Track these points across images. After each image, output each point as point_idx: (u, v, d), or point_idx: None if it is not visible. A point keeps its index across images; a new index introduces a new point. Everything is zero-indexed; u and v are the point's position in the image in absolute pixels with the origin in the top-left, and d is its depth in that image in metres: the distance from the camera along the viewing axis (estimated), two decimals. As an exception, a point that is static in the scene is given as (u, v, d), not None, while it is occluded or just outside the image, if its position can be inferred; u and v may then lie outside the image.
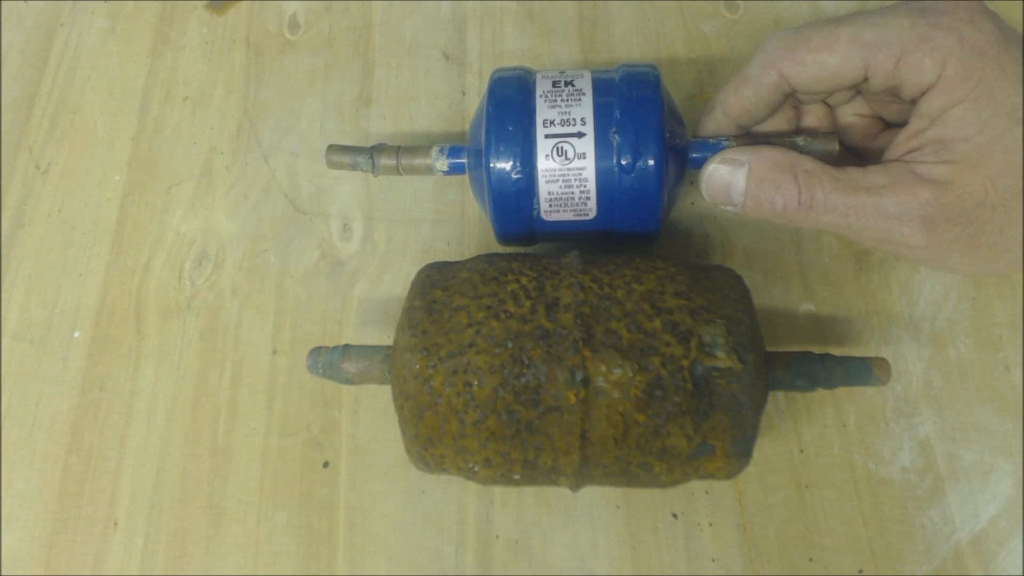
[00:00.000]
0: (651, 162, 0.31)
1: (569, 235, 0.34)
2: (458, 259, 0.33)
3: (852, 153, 0.35)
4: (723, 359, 0.27)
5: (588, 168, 0.31)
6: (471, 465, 0.28)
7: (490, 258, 0.31)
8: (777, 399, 0.34)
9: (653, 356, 0.27)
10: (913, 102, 0.29)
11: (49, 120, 0.44)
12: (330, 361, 0.31)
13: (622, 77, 0.32)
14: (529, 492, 0.34)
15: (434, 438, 0.28)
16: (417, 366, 0.28)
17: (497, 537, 0.33)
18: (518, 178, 0.31)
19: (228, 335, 0.38)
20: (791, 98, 0.32)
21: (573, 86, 0.32)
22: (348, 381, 0.31)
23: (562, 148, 0.31)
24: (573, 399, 0.26)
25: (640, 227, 0.33)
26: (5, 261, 0.40)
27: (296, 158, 0.41)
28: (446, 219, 0.39)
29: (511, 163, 0.31)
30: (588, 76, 0.32)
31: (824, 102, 0.34)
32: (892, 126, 0.34)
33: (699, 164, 0.33)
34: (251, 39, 0.45)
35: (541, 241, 0.35)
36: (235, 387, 0.36)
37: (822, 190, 0.29)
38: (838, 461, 0.33)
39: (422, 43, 0.44)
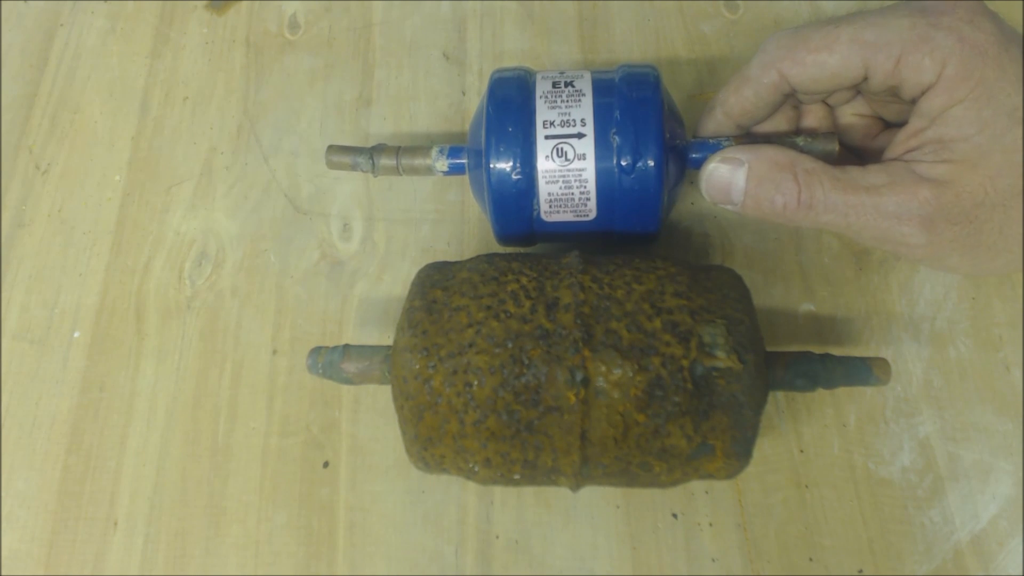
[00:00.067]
0: (651, 163, 0.31)
1: (569, 235, 0.34)
2: (458, 259, 0.33)
3: (852, 153, 0.35)
4: (723, 359, 0.27)
5: (588, 169, 0.31)
6: (471, 465, 0.28)
7: (490, 258, 0.31)
8: (777, 399, 0.34)
9: (653, 356, 0.27)
10: (913, 102, 0.29)
11: (49, 120, 0.44)
12: (330, 361, 0.31)
13: (622, 78, 0.32)
14: (529, 492, 0.34)
15: (434, 438, 0.28)
16: (417, 366, 0.28)
17: (497, 537, 0.33)
18: (518, 179, 0.31)
19: (228, 335, 0.38)
20: (791, 98, 0.32)
21: (573, 87, 0.32)
22: (348, 381, 0.31)
23: (562, 149, 0.31)
24: (573, 399, 0.26)
25: (640, 227, 0.33)
26: (5, 261, 0.40)
27: (296, 158, 0.41)
28: (446, 219, 0.39)
29: (511, 164, 0.31)
30: (588, 77, 0.32)
31: (824, 102, 0.34)
32: (892, 126, 0.34)
33: (699, 164, 0.33)
34: (251, 39, 0.45)
35: (541, 241, 0.35)
36: (235, 387, 0.36)
37: (822, 189, 0.29)
38: (838, 461, 0.33)
39: (422, 43, 0.44)
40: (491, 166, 0.31)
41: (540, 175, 0.31)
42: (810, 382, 0.29)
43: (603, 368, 0.26)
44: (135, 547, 0.34)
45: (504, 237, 0.34)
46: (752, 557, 0.32)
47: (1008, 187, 0.27)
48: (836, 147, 0.32)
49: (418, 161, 0.35)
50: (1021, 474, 0.32)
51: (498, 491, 0.34)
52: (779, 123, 0.34)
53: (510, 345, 0.27)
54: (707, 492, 0.33)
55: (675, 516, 0.33)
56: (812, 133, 0.33)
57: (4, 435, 0.36)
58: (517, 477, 0.28)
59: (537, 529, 0.33)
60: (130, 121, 0.43)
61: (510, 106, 0.32)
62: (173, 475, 0.35)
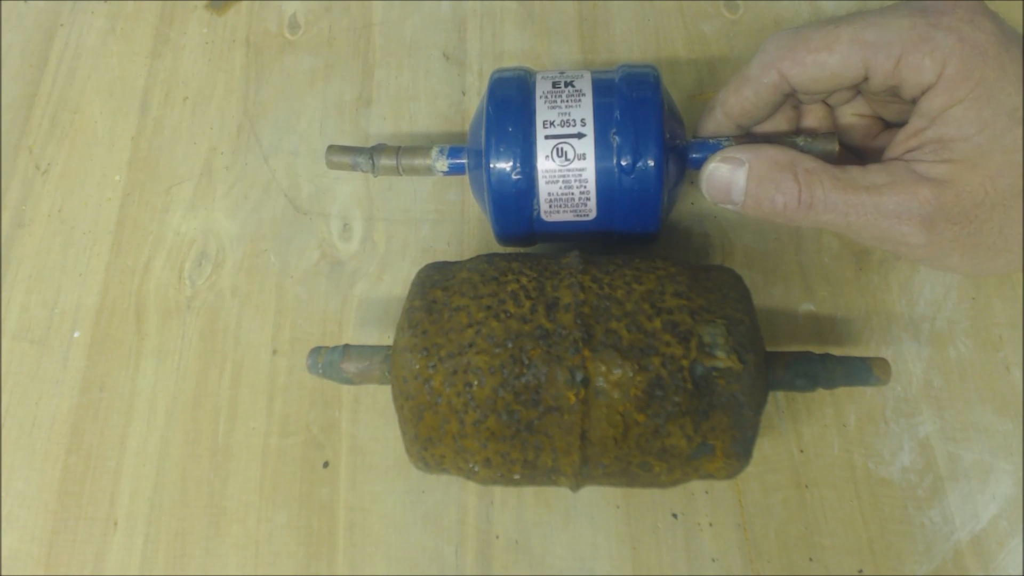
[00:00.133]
0: (651, 163, 0.31)
1: (569, 235, 0.34)
2: (458, 259, 0.33)
3: (852, 153, 0.35)
4: (723, 359, 0.27)
5: (588, 169, 0.31)
6: (471, 465, 0.28)
7: (490, 258, 0.31)
8: (777, 399, 0.34)
9: (653, 356, 0.27)
10: (913, 102, 0.29)
11: (49, 120, 0.44)
12: (330, 361, 0.31)
13: (622, 78, 0.32)
14: (529, 492, 0.34)
15: (434, 438, 0.28)
16: (417, 366, 0.28)
17: (497, 537, 0.33)
18: (518, 179, 0.31)
19: (228, 335, 0.38)
20: (791, 98, 0.32)
21: (573, 87, 0.32)
22: (348, 381, 0.31)
23: (562, 149, 0.31)
24: (573, 399, 0.26)
25: (640, 227, 0.33)
26: (5, 261, 0.40)
27: (296, 158, 0.41)
28: (446, 219, 0.39)
29: (511, 164, 0.31)
30: (588, 77, 0.32)
31: (824, 102, 0.34)
32: (892, 126, 0.34)
33: (699, 164, 0.33)
34: (251, 39, 0.45)
35: (541, 241, 0.35)
36: (235, 387, 0.36)
37: (822, 189, 0.29)
38: (838, 461, 0.33)
39: (422, 43, 0.44)
40: (491, 166, 0.31)
41: (540, 175, 0.31)
42: (810, 382, 0.29)
43: (603, 368, 0.26)
44: (135, 547, 0.34)
45: (504, 237, 0.34)
46: (752, 557, 0.32)
47: (1008, 187, 0.27)
48: (836, 147, 0.32)
49: (418, 161, 0.35)
50: (1021, 474, 0.32)
51: (498, 491, 0.34)
52: (779, 123, 0.34)
53: (510, 345, 0.27)
54: (707, 492, 0.33)
55: (675, 516, 0.33)
56: (812, 133, 0.33)
57: (4, 435, 0.36)
58: (517, 477, 0.28)
59: (537, 529, 0.33)
60: (130, 121, 0.43)
61: (510, 106, 0.32)
62: (173, 475, 0.35)
